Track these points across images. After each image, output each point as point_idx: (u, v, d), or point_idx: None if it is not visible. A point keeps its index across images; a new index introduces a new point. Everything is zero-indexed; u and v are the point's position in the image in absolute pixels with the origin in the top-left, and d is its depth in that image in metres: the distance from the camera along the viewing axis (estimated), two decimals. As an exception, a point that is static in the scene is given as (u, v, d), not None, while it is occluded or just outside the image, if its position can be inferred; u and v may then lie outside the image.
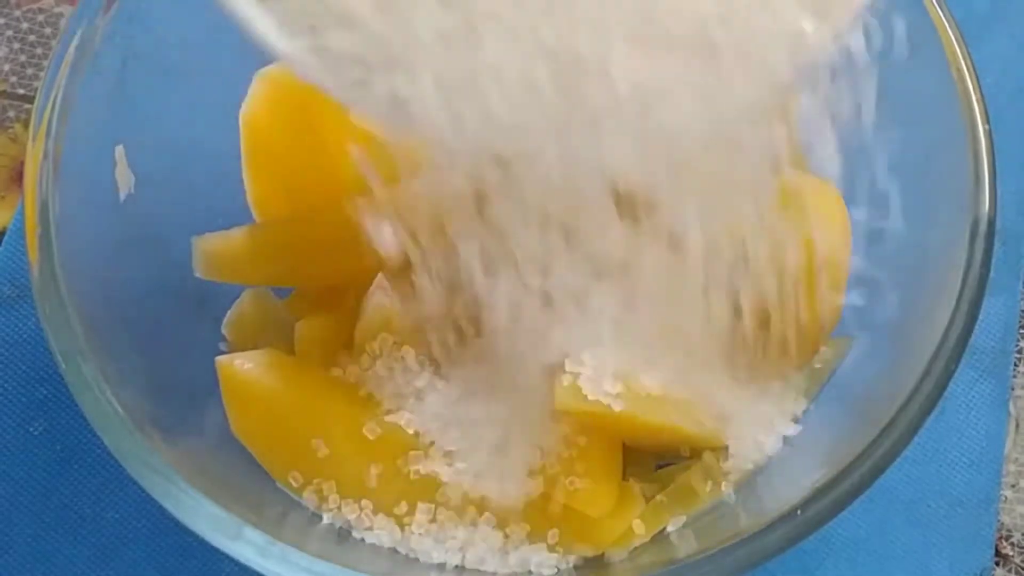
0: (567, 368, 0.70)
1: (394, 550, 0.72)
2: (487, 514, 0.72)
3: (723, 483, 0.73)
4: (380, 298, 0.75)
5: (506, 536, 0.72)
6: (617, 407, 0.70)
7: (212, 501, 0.65)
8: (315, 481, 0.73)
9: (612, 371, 0.70)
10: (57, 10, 1.04)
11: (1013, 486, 0.85)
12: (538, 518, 0.72)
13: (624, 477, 0.75)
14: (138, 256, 0.78)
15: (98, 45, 0.75)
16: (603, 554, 0.72)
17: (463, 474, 0.72)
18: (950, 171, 0.72)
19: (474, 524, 0.72)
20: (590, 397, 0.70)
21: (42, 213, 0.70)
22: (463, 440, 0.72)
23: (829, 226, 0.77)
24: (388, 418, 0.73)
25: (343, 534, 0.73)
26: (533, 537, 0.72)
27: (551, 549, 0.72)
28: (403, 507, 0.72)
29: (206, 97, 0.83)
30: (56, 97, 0.73)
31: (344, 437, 0.73)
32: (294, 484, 0.73)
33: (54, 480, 0.84)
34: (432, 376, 0.73)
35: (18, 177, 0.95)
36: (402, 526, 0.72)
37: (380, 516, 0.72)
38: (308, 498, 0.73)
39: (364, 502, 0.73)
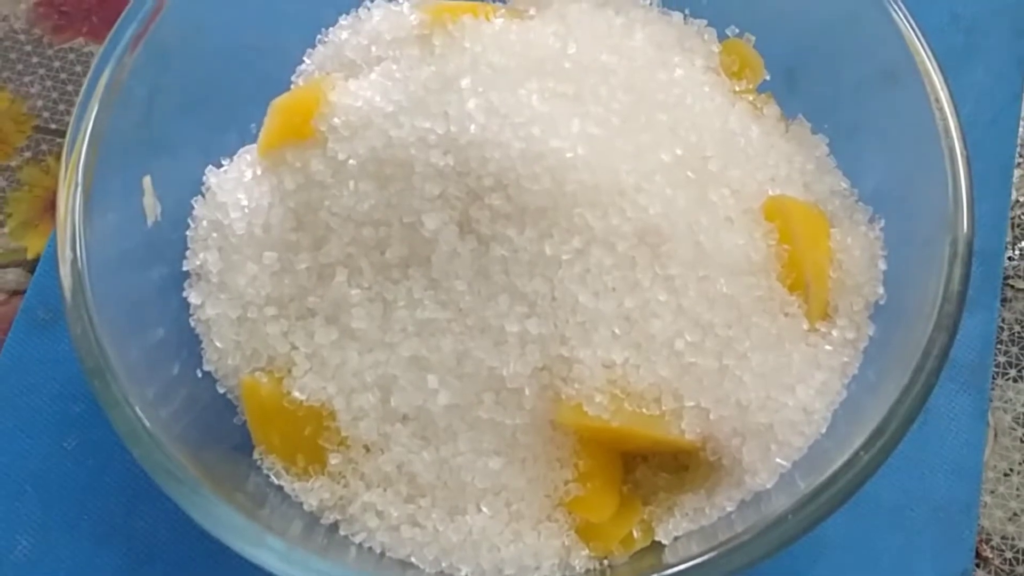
0: (564, 381, 0.71)
1: (410, 557, 0.72)
2: (493, 518, 0.72)
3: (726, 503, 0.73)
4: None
5: (510, 541, 0.72)
6: (615, 422, 0.70)
7: (236, 510, 0.65)
8: (334, 490, 0.73)
9: (607, 382, 0.71)
10: (87, 49, 1.05)
11: (992, 492, 0.86)
12: (542, 523, 0.73)
13: (624, 483, 0.75)
14: (164, 280, 0.79)
15: (125, 81, 0.75)
16: (605, 558, 0.72)
17: (470, 480, 0.72)
18: (930, 195, 0.73)
19: (482, 529, 0.72)
20: (590, 413, 0.70)
21: (73, 240, 0.71)
22: (468, 446, 0.73)
23: (814, 244, 0.77)
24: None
25: (364, 542, 0.73)
26: (537, 542, 0.72)
27: (554, 554, 0.72)
28: (421, 517, 0.73)
29: (228, 127, 0.83)
30: (86, 130, 0.73)
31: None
32: (314, 493, 0.74)
33: (86, 492, 0.84)
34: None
35: (51, 207, 0.95)
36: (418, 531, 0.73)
37: (404, 527, 0.73)
38: (329, 506, 0.74)
39: (382, 511, 0.73)
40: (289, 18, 0.86)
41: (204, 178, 0.82)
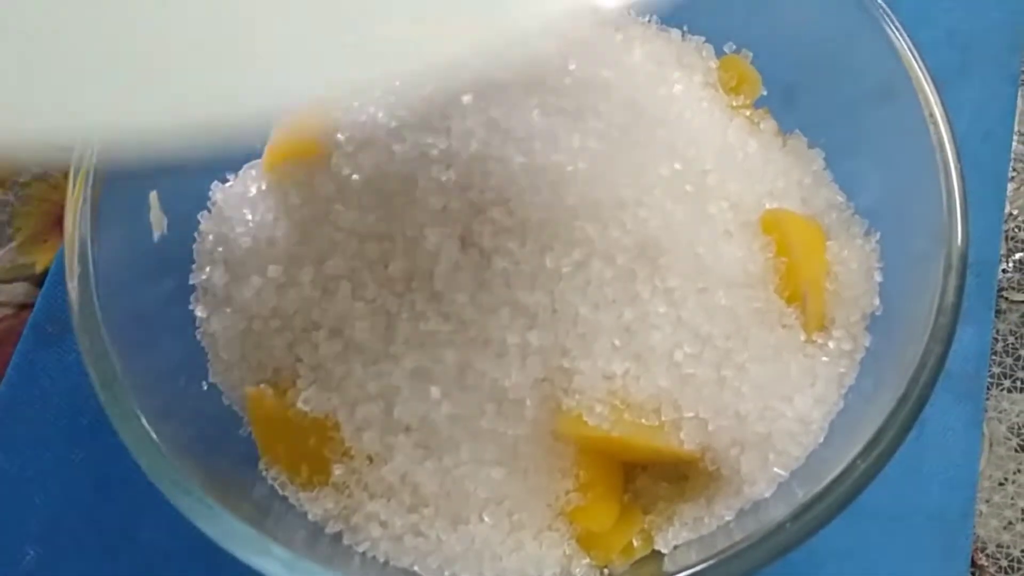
0: (564, 392, 0.71)
1: (413, 567, 0.72)
2: (495, 527, 0.72)
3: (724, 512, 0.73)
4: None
5: (512, 550, 0.72)
6: (616, 433, 0.71)
7: (241, 520, 0.65)
8: (338, 500, 0.74)
9: (607, 392, 0.71)
10: (94, 67, 1.05)
11: (987, 501, 0.86)
12: (543, 532, 0.73)
13: (624, 493, 0.75)
14: (171, 293, 0.79)
15: (132, 98, 0.75)
16: (605, 567, 0.72)
17: (473, 490, 0.72)
18: (925, 208, 0.73)
19: (484, 538, 0.72)
20: (590, 423, 0.70)
21: (81, 254, 0.71)
22: (470, 456, 0.73)
23: (811, 256, 0.78)
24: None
25: (368, 551, 0.73)
26: (538, 551, 0.72)
27: (556, 563, 0.72)
28: (424, 527, 0.73)
29: (233, 144, 0.84)
30: (94, 146, 0.73)
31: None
32: (319, 503, 0.74)
33: (94, 503, 0.84)
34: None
35: (58, 222, 0.95)
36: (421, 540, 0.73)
37: (407, 536, 0.73)
38: (333, 516, 0.74)
39: (386, 521, 0.73)
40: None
41: (210, 193, 0.82)
